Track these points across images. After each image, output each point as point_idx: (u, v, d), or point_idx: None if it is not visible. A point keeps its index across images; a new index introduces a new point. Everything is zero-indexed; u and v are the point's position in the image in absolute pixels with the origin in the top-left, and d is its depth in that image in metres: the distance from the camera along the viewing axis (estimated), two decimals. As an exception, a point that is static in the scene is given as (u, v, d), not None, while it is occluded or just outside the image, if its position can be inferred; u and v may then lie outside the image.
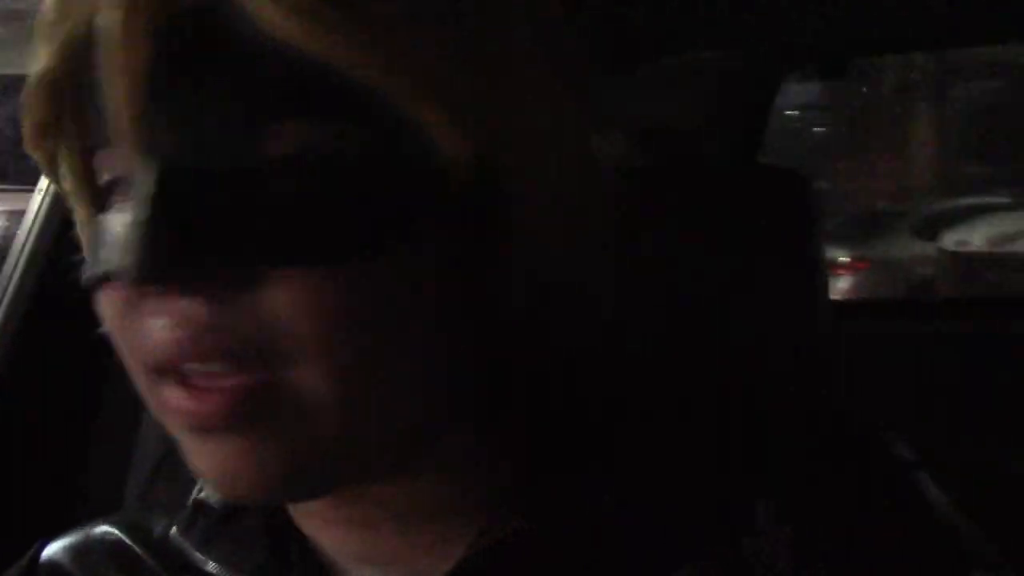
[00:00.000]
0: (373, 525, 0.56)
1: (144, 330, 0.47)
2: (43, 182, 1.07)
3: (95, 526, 0.66)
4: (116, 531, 0.64)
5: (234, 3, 0.45)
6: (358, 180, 0.47)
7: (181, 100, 0.46)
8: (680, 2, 1.53)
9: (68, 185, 0.54)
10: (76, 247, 0.57)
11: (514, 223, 0.52)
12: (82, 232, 0.55)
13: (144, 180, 0.45)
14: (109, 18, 0.45)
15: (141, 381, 0.50)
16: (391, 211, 0.48)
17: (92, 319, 0.54)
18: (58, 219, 1.02)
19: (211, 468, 0.49)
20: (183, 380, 0.47)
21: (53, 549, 0.66)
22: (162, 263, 0.44)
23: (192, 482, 0.63)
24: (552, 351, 0.60)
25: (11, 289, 0.98)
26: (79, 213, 0.55)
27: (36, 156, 0.54)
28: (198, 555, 0.60)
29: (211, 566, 0.59)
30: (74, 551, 0.65)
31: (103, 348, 0.55)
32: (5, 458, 1.01)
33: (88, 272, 0.50)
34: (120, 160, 0.48)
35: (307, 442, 0.48)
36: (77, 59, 0.48)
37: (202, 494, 0.63)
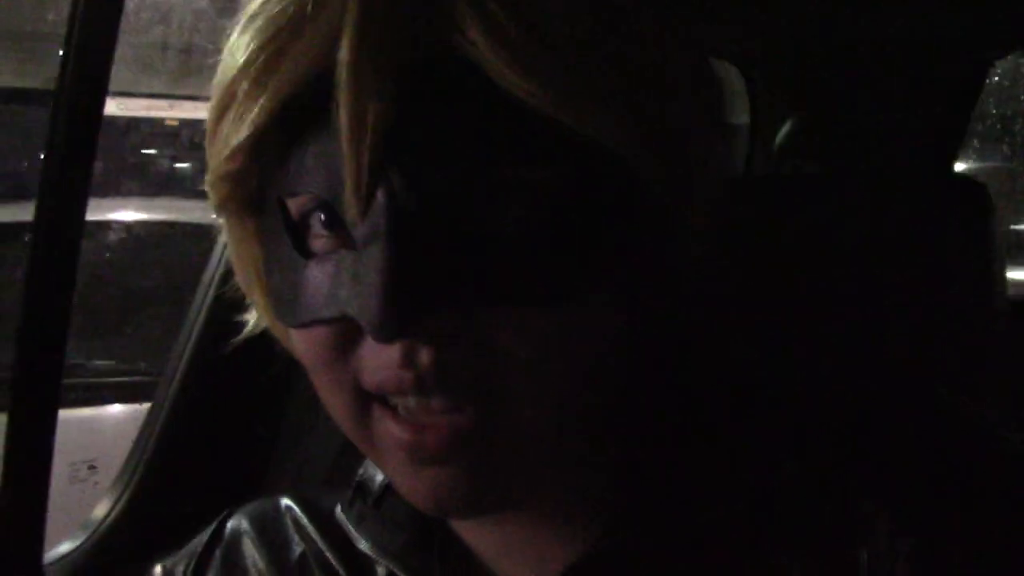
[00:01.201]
0: (510, 522, 0.59)
1: (361, 363, 0.51)
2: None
3: (277, 498, 0.72)
4: (294, 504, 0.70)
5: (465, 58, 0.47)
6: (581, 222, 0.49)
7: (412, 147, 0.48)
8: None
9: (250, 226, 0.57)
10: None
11: (680, 260, 0.55)
12: (252, 262, 0.59)
13: (379, 231, 0.47)
14: (342, 72, 0.47)
15: (346, 412, 0.53)
16: (602, 251, 0.50)
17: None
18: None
19: (425, 492, 0.52)
20: (394, 409, 0.51)
21: (239, 515, 0.72)
22: (408, 317, 0.46)
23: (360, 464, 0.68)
24: (681, 369, 0.62)
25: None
26: (247, 245, 0.58)
27: (214, 192, 0.56)
28: (354, 533, 0.65)
29: (363, 545, 0.64)
30: (256, 518, 0.71)
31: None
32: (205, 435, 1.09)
33: (296, 313, 0.53)
34: (321, 202, 0.51)
35: (514, 467, 0.51)
36: (295, 109, 0.50)
37: (363, 476, 0.67)
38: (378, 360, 0.50)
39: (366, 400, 0.52)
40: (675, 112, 0.52)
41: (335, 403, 0.54)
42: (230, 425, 1.10)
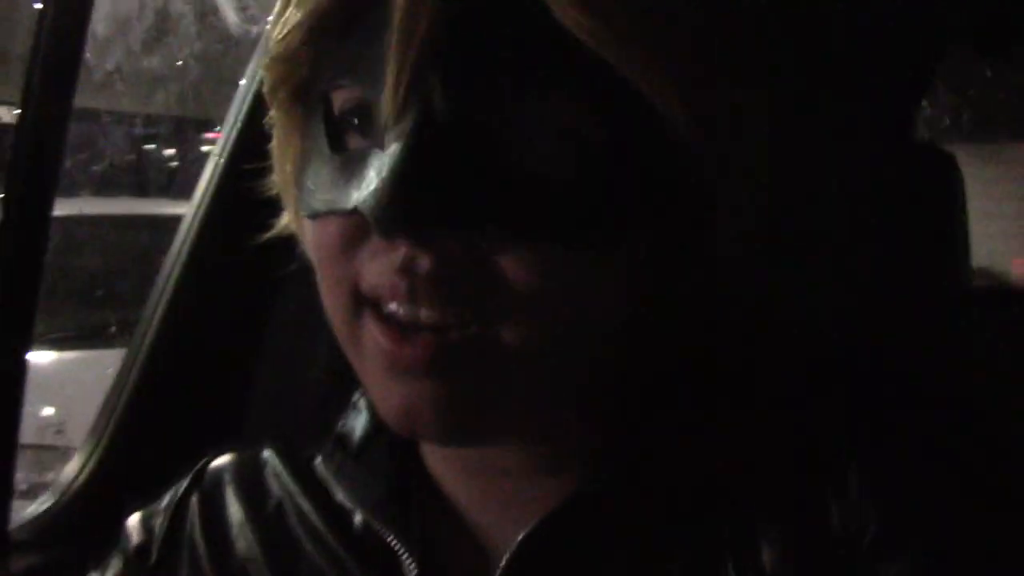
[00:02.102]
0: (490, 473, 0.60)
1: (364, 265, 0.52)
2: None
3: (258, 448, 0.72)
4: (274, 454, 0.70)
5: None
6: (611, 171, 0.50)
7: (457, 61, 0.48)
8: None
9: (296, 118, 0.58)
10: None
11: (708, 219, 0.55)
12: (290, 153, 0.59)
13: (405, 132, 0.48)
14: None
15: (340, 314, 0.54)
16: (634, 205, 0.51)
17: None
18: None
19: (398, 406, 0.52)
20: (384, 317, 0.51)
21: (219, 463, 0.72)
22: (412, 217, 0.47)
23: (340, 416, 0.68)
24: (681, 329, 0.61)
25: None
26: (288, 136, 0.59)
27: (269, 73, 0.57)
28: (332, 484, 0.65)
29: (340, 495, 0.64)
30: (236, 468, 0.71)
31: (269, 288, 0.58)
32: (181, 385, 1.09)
33: (313, 203, 0.54)
34: (361, 101, 0.52)
35: (492, 394, 0.51)
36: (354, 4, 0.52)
37: (344, 427, 0.68)
38: (379, 263, 0.51)
39: (360, 303, 0.52)
40: (729, 87, 0.53)
41: (333, 303, 0.55)
42: (203, 381, 1.10)
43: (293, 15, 0.54)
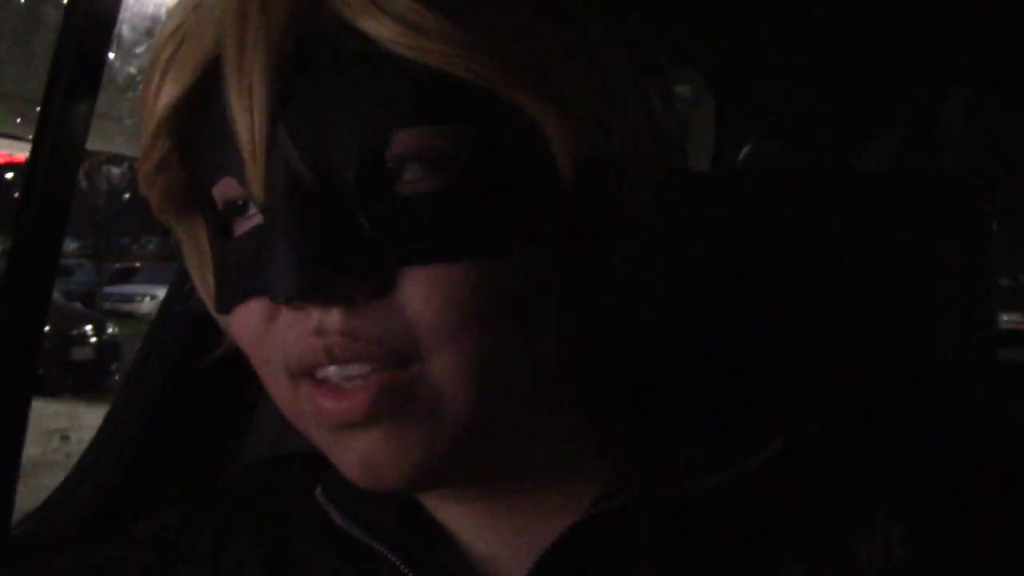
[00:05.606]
0: (490, 499, 0.59)
1: (283, 339, 0.51)
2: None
3: (274, 464, 0.72)
4: (287, 471, 0.70)
5: (350, 25, 0.48)
6: (482, 179, 0.50)
7: (306, 123, 0.49)
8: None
9: (194, 224, 0.59)
10: None
11: (614, 221, 0.55)
12: (201, 260, 0.60)
13: (279, 205, 0.48)
14: (227, 53, 0.48)
15: (282, 392, 0.54)
16: (514, 207, 0.51)
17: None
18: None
19: (355, 460, 0.52)
20: (319, 382, 0.51)
21: (231, 481, 0.72)
22: (306, 283, 0.47)
23: None
24: (652, 337, 0.62)
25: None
26: (195, 243, 0.59)
27: (151, 192, 0.57)
28: (336, 513, 0.64)
29: (347, 523, 0.63)
30: (248, 485, 0.70)
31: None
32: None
33: (222, 295, 0.54)
34: (237, 187, 0.52)
35: (443, 430, 0.51)
36: (201, 93, 0.51)
37: None
38: (296, 332, 0.50)
39: (295, 377, 0.52)
40: (583, 68, 0.53)
41: (273, 383, 0.54)
42: (211, 393, 1.09)
43: (149, 118, 0.53)
